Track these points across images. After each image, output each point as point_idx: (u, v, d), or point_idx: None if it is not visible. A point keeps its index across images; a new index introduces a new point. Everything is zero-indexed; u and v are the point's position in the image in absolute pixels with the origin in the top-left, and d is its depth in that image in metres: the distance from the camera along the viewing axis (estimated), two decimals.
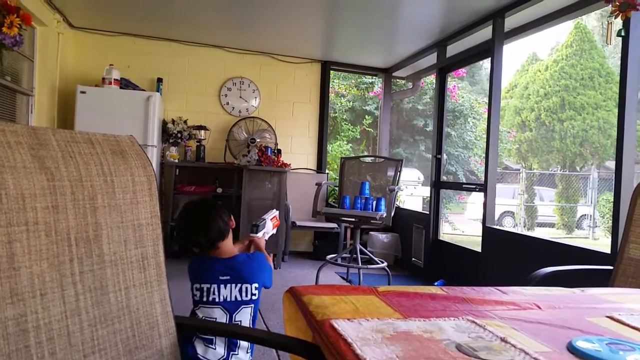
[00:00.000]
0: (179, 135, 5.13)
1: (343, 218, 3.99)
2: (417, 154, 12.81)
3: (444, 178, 4.93)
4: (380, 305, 1.15)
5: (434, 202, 4.77)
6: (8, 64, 3.77)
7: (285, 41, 5.17)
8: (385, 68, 6.00)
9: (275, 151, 5.26)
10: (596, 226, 11.64)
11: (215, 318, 1.56)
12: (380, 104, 6.65)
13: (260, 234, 1.80)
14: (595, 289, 1.51)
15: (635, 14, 2.58)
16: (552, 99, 13.32)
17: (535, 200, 12.70)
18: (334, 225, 5.02)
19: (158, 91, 5.01)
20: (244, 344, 1.55)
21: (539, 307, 1.22)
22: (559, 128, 13.25)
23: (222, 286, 1.57)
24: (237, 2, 4.02)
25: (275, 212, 1.95)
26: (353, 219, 3.87)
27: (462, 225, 11.39)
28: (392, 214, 3.88)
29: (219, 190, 5.17)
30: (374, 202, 3.84)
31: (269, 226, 1.87)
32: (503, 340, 0.94)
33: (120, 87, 4.72)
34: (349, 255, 4.12)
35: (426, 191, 7.25)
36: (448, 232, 10.40)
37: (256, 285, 1.61)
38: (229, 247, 1.65)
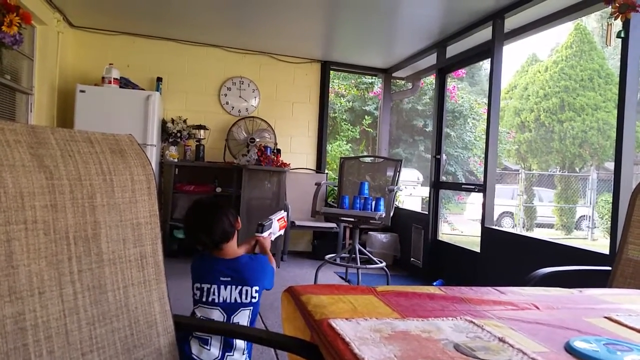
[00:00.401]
0: (179, 134, 5.13)
1: (342, 218, 3.99)
2: (416, 154, 12.81)
3: (443, 178, 4.93)
4: (378, 305, 1.15)
5: (433, 203, 4.77)
6: (8, 63, 3.77)
7: (285, 41, 5.17)
8: (385, 68, 6.00)
9: (275, 151, 5.26)
10: (595, 227, 11.64)
11: (213, 320, 1.56)
12: (379, 104, 6.65)
13: (265, 234, 1.79)
14: (594, 289, 1.51)
15: (635, 16, 2.58)
16: (552, 99, 13.33)
17: (535, 201, 12.71)
18: (333, 225, 5.02)
19: (158, 90, 5.00)
20: (240, 345, 1.54)
21: (537, 308, 1.22)
22: (559, 129, 13.26)
23: (222, 287, 1.57)
24: (237, 2, 4.02)
25: (282, 214, 1.93)
26: (352, 219, 3.87)
27: (461, 226, 11.39)
28: (391, 214, 3.89)
29: (218, 189, 5.17)
30: (373, 202, 3.84)
31: (275, 227, 1.85)
32: (501, 340, 0.94)
33: (120, 87, 4.72)
34: (348, 255, 4.12)
35: (425, 191, 7.26)
36: (447, 232, 10.40)
37: (256, 288, 1.60)
38: (233, 248, 1.64)
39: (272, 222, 1.83)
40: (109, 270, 1.04)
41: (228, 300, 1.57)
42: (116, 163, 1.10)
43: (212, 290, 1.57)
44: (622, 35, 2.67)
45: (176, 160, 5.11)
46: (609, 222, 2.92)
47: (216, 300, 1.56)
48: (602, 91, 13.04)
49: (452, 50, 4.70)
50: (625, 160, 2.71)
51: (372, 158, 4.93)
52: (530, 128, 13.88)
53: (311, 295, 1.18)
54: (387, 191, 3.96)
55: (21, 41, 3.43)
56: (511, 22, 3.88)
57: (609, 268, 2.12)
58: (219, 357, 1.50)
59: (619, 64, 2.82)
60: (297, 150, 5.76)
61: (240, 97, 5.57)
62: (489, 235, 3.82)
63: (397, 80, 6.74)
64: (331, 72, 5.95)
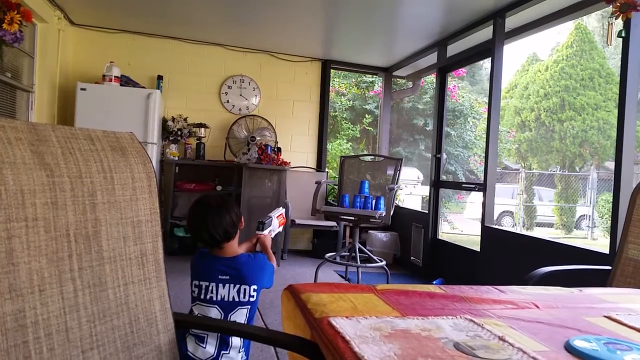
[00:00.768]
0: (179, 132, 5.13)
1: (342, 216, 3.99)
2: (416, 153, 12.80)
3: (443, 177, 4.93)
4: (378, 304, 1.15)
5: (433, 201, 4.77)
6: (8, 60, 3.76)
7: (286, 39, 5.17)
8: (385, 67, 6.00)
9: (275, 149, 5.26)
10: (595, 226, 11.64)
11: (211, 317, 1.56)
12: (380, 103, 6.65)
13: (266, 232, 1.79)
14: (594, 288, 1.51)
15: (635, 15, 2.58)
16: (552, 99, 13.31)
17: (535, 200, 12.70)
18: (333, 223, 5.02)
19: (158, 88, 5.00)
20: (236, 343, 1.54)
21: (537, 307, 1.22)
22: (559, 128, 13.25)
23: (220, 285, 1.57)
24: (238, 0, 4.02)
25: (281, 210, 1.95)
26: (352, 218, 3.87)
27: (461, 225, 11.39)
28: (391, 212, 3.89)
29: (219, 188, 5.17)
30: (373, 201, 3.84)
31: (275, 224, 1.86)
32: (501, 339, 0.94)
33: (121, 85, 4.72)
34: (348, 254, 4.13)
35: (425, 190, 7.25)
36: (447, 231, 10.40)
37: (255, 287, 1.60)
38: (234, 247, 1.64)
39: (272, 220, 1.84)
40: (109, 268, 1.04)
41: (226, 299, 1.57)
42: (117, 161, 1.10)
43: (210, 288, 1.57)
44: (623, 34, 2.67)
45: (177, 158, 5.11)
46: (609, 222, 2.92)
47: (214, 298, 1.56)
48: (602, 91, 13.02)
49: (453, 49, 4.69)
50: (625, 160, 2.71)
51: (372, 157, 4.93)
52: (530, 127, 13.87)
53: (311, 293, 1.18)
54: (387, 190, 3.96)
55: (22, 39, 3.44)
56: (512, 21, 3.87)
57: (609, 267, 2.12)
58: (215, 355, 1.50)
59: (619, 63, 2.82)
60: (297, 148, 5.76)
61: (240, 95, 5.57)
62: (489, 234, 3.83)
63: (398, 79, 6.74)
64: (332, 70, 5.94)
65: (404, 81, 6.86)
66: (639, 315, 1.18)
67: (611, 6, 2.59)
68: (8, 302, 0.84)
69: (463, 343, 0.90)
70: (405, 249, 5.22)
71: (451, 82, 9.98)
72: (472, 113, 11.37)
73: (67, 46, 4.87)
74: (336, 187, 4.83)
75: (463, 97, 11.33)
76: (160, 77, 5.15)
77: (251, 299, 1.59)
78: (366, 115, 10.80)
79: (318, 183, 4.30)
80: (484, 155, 3.97)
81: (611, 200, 2.84)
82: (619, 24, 2.63)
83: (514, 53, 24.04)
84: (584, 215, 12.36)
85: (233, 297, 1.57)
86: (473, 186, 4.56)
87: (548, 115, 13.37)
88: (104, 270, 1.03)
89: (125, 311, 1.06)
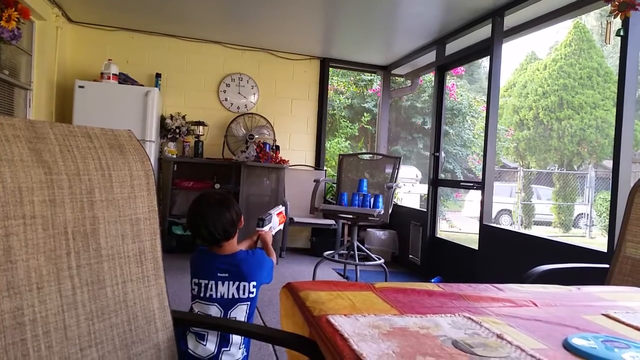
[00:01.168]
0: (177, 130, 5.12)
1: (341, 215, 3.99)
2: (415, 152, 12.81)
3: (441, 176, 4.93)
4: (377, 302, 1.15)
5: (432, 200, 4.78)
6: (6, 58, 3.75)
7: (284, 37, 5.16)
8: (384, 65, 5.99)
9: (274, 147, 5.26)
10: (593, 225, 11.66)
11: (211, 315, 1.56)
12: (378, 102, 6.64)
13: (266, 228, 1.80)
14: (592, 287, 1.51)
15: (634, 14, 2.58)
16: (551, 97, 13.32)
17: (533, 199, 12.72)
18: (332, 221, 5.02)
19: (156, 86, 4.99)
20: (236, 340, 1.54)
21: (535, 305, 1.22)
22: (557, 127, 13.26)
23: (219, 283, 1.57)
24: None
25: (281, 208, 1.95)
26: (351, 216, 3.87)
27: (459, 223, 11.40)
28: (390, 211, 3.89)
29: (217, 186, 5.17)
30: (372, 199, 3.84)
31: (275, 221, 1.86)
32: (499, 336, 0.94)
33: (119, 82, 4.71)
34: (346, 252, 4.13)
35: (424, 189, 7.25)
36: (445, 229, 10.41)
37: (254, 283, 1.60)
38: (233, 246, 1.64)
39: (272, 216, 1.84)
40: (107, 266, 1.04)
41: (225, 296, 1.57)
42: (115, 158, 1.10)
43: (209, 286, 1.57)
44: (622, 33, 2.67)
45: (175, 156, 5.11)
46: (607, 220, 2.92)
47: (214, 296, 1.57)
48: (600, 89, 13.04)
49: (452, 47, 4.69)
50: (623, 158, 2.72)
51: (370, 155, 4.92)
52: (528, 126, 13.88)
53: (310, 291, 1.18)
54: (385, 188, 3.96)
55: (20, 36, 3.43)
56: (510, 19, 3.87)
57: (607, 265, 2.13)
58: (215, 352, 1.50)
59: (617, 62, 2.82)
60: (295, 147, 5.76)
61: (239, 93, 5.56)
62: (487, 232, 3.83)
63: (396, 78, 6.73)
64: (330, 69, 5.94)
65: (402, 79, 6.86)
66: (636, 313, 1.19)
67: (610, 5, 2.59)
68: (6, 300, 0.84)
69: (461, 341, 0.90)
70: (404, 247, 5.23)
71: (450, 81, 9.98)
72: (470, 111, 11.38)
73: (65, 44, 4.85)
74: (334, 185, 4.83)
75: (461, 95, 11.32)
76: (158, 75, 5.14)
77: (251, 295, 1.60)
78: (365, 114, 10.79)
79: (316, 181, 4.30)
80: (482, 153, 3.98)
81: (609, 199, 2.84)
82: (617, 22, 2.63)
83: (512, 51, 24.04)
84: (582, 213, 12.39)
85: (233, 294, 1.57)
86: (471, 184, 4.57)
87: (546, 114, 13.38)
88: (102, 268, 1.03)
89: (124, 309, 1.06)
